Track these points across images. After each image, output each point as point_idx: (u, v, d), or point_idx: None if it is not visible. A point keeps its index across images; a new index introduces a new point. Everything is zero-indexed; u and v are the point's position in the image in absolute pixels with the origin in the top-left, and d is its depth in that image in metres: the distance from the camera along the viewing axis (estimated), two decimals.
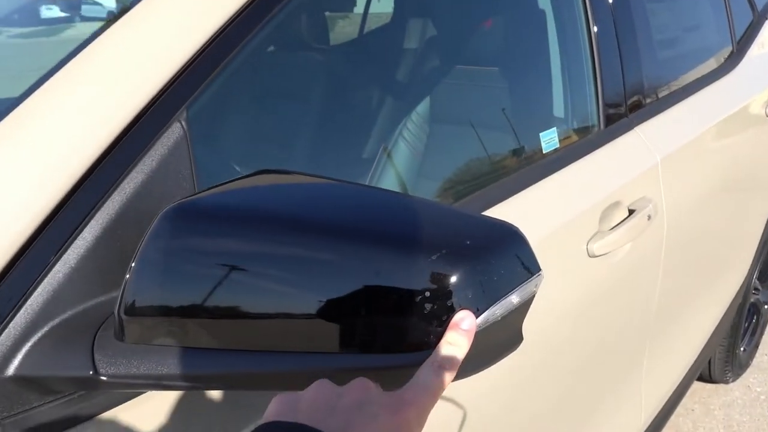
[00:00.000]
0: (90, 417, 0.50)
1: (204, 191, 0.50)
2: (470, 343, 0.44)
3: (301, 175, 0.51)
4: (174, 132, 0.58)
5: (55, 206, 0.51)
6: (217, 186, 0.50)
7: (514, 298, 0.47)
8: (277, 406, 0.38)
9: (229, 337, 0.45)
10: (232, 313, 0.44)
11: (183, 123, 0.58)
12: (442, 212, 0.52)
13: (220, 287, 0.44)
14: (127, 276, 0.45)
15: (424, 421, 0.40)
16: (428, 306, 0.44)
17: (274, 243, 0.44)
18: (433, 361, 0.43)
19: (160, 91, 0.57)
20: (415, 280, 0.44)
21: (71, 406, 0.49)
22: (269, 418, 0.37)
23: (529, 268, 0.48)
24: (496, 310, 0.45)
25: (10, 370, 0.47)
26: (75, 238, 0.51)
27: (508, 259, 0.47)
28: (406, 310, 0.45)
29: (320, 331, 0.44)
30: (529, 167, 1.03)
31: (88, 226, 0.52)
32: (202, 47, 0.61)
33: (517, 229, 0.49)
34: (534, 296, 0.49)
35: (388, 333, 0.45)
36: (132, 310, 0.45)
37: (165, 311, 0.45)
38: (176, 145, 0.58)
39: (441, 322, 0.44)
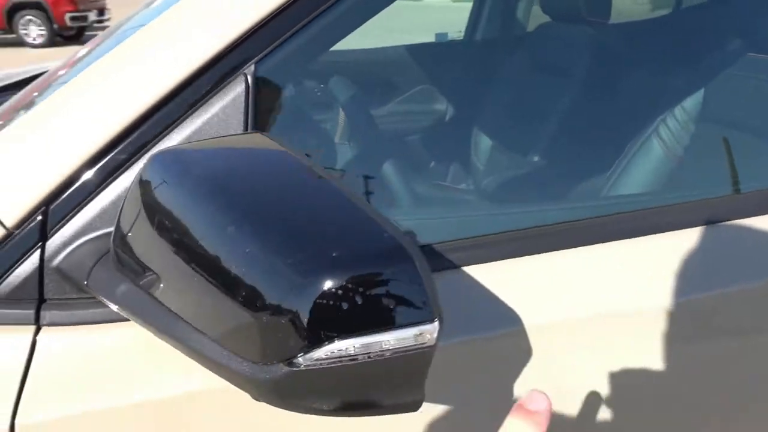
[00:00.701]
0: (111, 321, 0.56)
1: (196, 142, 0.54)
2: None
3: (283, 147, 0.48)
4: (238, 83, 0.59)
5: (125, 128, 0.57)
6: (210, 139, 0.54)
7: (387, 340, 0.38)
8: None
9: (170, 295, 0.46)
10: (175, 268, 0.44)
11: (249, 76, 0.59)
12: (344, 208, 0.43)
13: (168, 239, 0.44)
14: (120, 210, 0.49)
15: None
16: (266, 317, 0.38)
17: (203, 203, 0.43)
18: None
19: (237, 40, 0.58)
20: (269, 283, 0.39)
21: (98, 306, 0.55)
22: None
23: (422, 309, 0.38)
24: (354, 344, 0.38)
25: (55, 261, 0.55)
26: (130, 165, 0.57)
27: (383, 286, 0.38)
28: (251, 311, 0.39)
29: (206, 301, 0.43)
30: None
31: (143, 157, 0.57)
32: (286, 3, 0.59)
33: (412, 252, 0.39)
34: (431, 349, 0.39)
35: (238, 329, 0.41)
36: (123, 244, 0.49)
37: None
38: (237, 96, 0.59)
39: (292, 340, 0.38)
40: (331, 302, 0.38)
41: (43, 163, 0.56)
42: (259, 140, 0.50)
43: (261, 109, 0.60)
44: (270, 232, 0.40)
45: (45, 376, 0.54)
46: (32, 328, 0.55)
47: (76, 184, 0.56)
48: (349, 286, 0.38)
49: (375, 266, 0.39)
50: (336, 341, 0.38)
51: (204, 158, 0.47)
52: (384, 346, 0.39)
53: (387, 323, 0.38)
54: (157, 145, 0.58)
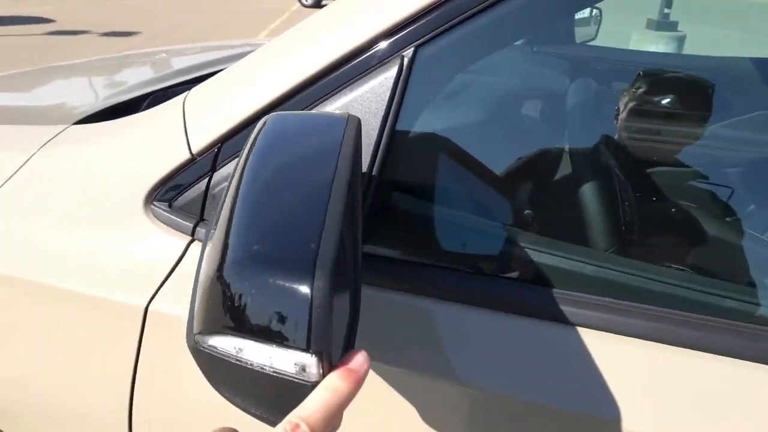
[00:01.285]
0: None
1: (301, 112, 0.59)
2: (353, 392, 0.35)
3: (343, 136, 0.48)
4: (392, 64, 0.60)
5: (286, 92, 0.63)
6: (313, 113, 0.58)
7: (265, 356, 0.36)
8: None
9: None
10: None
11: (405, 59, 0.60)
12: (312, 211, 0.40)
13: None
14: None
15: None
16: (212, 286, 0.39)
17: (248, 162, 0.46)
18: (289, 418, 0.33)
19: (403, 21, 0.60)
20: (226, 254, 0.39)
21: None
22: None
23: (299, 334, 0.35)
24: (234, 345, 0.37)
25: (215, 190, 0.66)
26: None
27: (273, 296, 0.36)
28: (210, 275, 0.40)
29: None
30: None
31: None
32: None
33: (322, 272, 0.36)
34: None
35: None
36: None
37: None
38: (388, 76, 0.60)
39: (204, 320, 0.38)
40: (229, 294, 0.37)
41: (226, 109, 0.67)
42: (334, 122, 0.50)
43: (409, 94, 0.61)
44: (247, 209, 0.41)
45: (182, 280, 0.66)
46: (188, 238, 0.67)
47: (244, 131, 0.66)
48: (246, 283, 0.36)
49: (276, 272, 0.36)
50: (221, 335, 0.37)
51: (280, 127, 0.50)
52: (260, 361, 0.37)
53: (263, 335, 0.36)
54: (315, 108, 0.64)
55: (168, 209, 0.68)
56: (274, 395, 0.38)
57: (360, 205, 0.50)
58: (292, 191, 0.43)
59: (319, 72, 0.63)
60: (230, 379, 0.40)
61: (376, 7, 0.62)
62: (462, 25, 0.59)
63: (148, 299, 0.66)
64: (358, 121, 0.52)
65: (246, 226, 0.40)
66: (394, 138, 0.61)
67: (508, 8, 0.59)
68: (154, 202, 0.69)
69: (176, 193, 0.68)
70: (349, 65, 0.62)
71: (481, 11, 0.59)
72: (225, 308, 0.37)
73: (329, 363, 0.36)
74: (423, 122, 0.64)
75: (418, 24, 0.60)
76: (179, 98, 0.76)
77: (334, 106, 0.63)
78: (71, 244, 0.69)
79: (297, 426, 0.32)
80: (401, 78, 0.60)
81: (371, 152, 0.60)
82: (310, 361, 0.36)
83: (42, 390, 0.73)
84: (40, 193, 0.74)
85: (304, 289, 0.35)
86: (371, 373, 0.59)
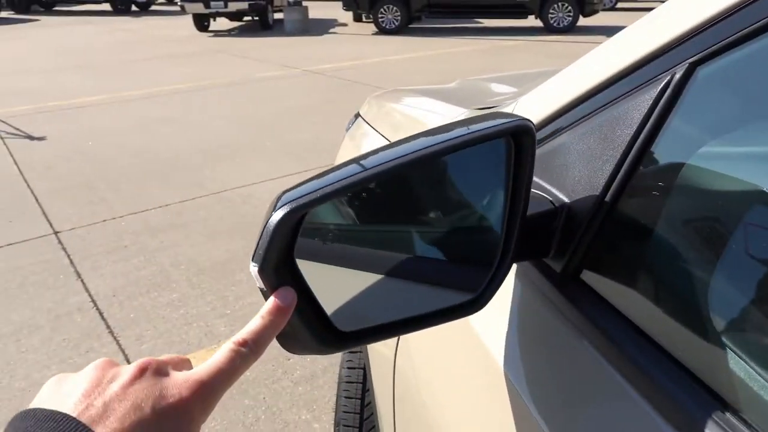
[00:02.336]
0: None
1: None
2: (281, 322, 0.42)
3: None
4: (661, 81, 0.53)
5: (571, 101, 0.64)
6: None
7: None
8: (46, 390, 0.36)
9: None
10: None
11: (677, 76, 0.52)
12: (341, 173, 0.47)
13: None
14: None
15: (211, 408, 0.37)
16: None
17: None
18: (235, 338, 0.40)
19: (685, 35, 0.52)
20: None
21: None
22: (34, 403, 0.35)
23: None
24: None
25: None
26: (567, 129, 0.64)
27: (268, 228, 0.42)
28: None
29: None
30: None
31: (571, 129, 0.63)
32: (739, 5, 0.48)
33: (281, 212, 0.42)
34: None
35: None
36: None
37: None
38: (658, 95, 0.53)
39: None
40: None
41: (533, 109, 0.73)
42: (488, 122, 0.52)
43: (679, 112, 0.52)
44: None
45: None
46: None
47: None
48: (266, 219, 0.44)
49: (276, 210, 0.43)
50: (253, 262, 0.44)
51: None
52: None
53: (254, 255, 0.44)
54: (591, 118, 0.62)
55: None
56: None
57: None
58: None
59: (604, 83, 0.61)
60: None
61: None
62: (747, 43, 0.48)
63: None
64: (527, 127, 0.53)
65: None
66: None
67: None
68: None
69: None
70: (629, 77, 0.58)
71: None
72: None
73: (267, 278, 0.43)
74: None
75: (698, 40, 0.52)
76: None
77: (600, 120, 0.60)
78: None
79: (244, 342, 0.39)
80: (665, 94, 0.53)
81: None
82: (253, 269, 0.43)
83: None
84: None
85: (268, 216, 0.43)
86: None
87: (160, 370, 0.36)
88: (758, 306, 0.43)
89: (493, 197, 0.57)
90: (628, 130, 0.55)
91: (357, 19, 15.16)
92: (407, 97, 1.50)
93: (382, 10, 12.57)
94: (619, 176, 0.55)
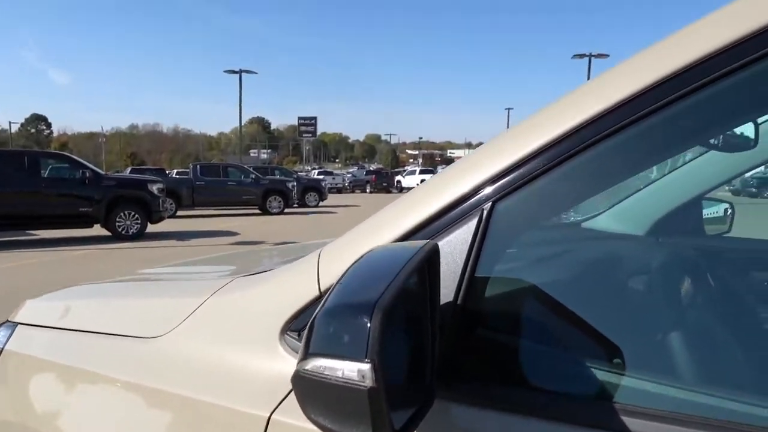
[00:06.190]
0: None
1: None
2: None
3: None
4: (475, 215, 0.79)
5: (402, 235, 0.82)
6: None
7: (340, 368, 0.49)
8: None
9: None
10: None
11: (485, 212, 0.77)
12: (389, 270, 0.56)
13: None
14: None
15: None
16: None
17: None
18: None
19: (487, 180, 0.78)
20: None
21: None
22: None
23: (361, 350, 0.48)
24: (320, 364, 0.50)
25: None
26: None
27: (344, 323, 0.51)
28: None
29: None
30: None
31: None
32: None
33: (378, 310, 0.49)
34: (369, 390, 0.47)
35: None
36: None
37: None
38: (470, 226, 0.78)
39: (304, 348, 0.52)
40: (319, 329, 0.50)
41: (350, 256, 0.88)
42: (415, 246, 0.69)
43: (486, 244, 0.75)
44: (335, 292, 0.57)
45: None
46: None
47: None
48: (330, 320, 0.49)
49: (348, 309, 0.49)
50: (312, 359, 0.48)
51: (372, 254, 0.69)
52: (337, 374, 0.47)
53: (339, 354, 0.47)
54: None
55: (297, 338, 0.86)
56: (343, 404, 0.48)
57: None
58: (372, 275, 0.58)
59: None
60: (314, 398, 0.51)
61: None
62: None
63: (272, 410, 0.84)
64: (434, 246, 0.69)
65: (335, 293, 0.55)
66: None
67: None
68: (287, 332, 0.88)
69: (304, 324, 0.78)
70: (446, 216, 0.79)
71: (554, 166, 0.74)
72: (316, 339, 0.49)
73: (381, 372, 0.45)
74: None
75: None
76: (315, 252, 0.94)
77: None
78: (220, 361, 0.90)
79: None
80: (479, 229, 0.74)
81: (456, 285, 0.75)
82: (365, 366, 0.46)
83: None
84: (208, 324, 0.96)
85: (366, 318, 0.47)
86: None
87: None
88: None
89: None
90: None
91: None
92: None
93: None
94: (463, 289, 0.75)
